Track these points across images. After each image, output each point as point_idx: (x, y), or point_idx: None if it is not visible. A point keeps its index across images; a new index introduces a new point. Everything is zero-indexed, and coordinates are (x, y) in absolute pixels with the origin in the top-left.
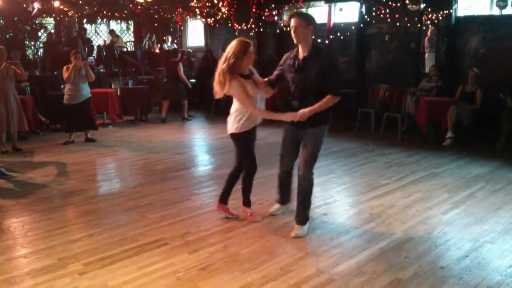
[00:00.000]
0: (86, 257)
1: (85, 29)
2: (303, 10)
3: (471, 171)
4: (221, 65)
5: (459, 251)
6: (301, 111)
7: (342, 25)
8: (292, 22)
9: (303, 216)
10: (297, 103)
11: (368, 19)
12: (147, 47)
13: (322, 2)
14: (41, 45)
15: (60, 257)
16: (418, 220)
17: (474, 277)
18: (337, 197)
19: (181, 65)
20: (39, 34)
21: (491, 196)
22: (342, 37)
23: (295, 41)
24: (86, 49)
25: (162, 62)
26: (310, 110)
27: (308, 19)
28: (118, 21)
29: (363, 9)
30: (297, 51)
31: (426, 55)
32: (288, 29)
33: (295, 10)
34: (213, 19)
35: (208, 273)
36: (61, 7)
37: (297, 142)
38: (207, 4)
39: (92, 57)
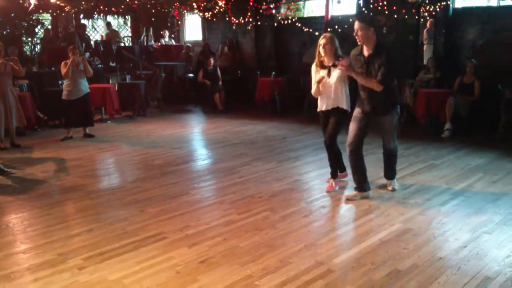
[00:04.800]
0: (86, 252)
1: (85, 26)
2: (301, 3)
3: (469, 162)
4: None
5: (457, 242)
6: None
7: (339, 17)
8: (355, 25)
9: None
10: (364, 94)
11: (366, 12)
12: (145, 43)
13: None
14: (38, 41)
15: (60, 252)
16: (417, 211)
17: (472, 267)
18: (337, 187)
19: None
20: (36, 30)
21: (490, 186)
22: (340, 30)
23: (358, 42)
24: (84, 44)
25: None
26: (354, 72)
27: (369, 22)
28: (115, 16)
29: (361, 1)
30: (362, 48)
31: (425, 47)
32: (286, 22)
33: (291, 6)
34: (210, 13)
35: (207, 266)
36: (58, 2)
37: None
38: None
39: (88, 53)
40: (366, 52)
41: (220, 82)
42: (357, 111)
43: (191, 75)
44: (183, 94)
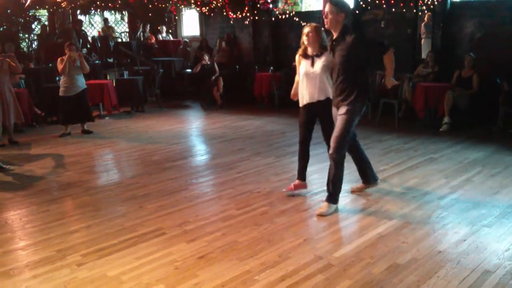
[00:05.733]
0: (84, 248)
1: (81, 22)
2: None
3: (468, 155)
4: None
5: (456, 235)
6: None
7: None
8: (326, 8)
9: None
10: (335, 79)
11: (364, 5)
12: (142, 38)
13: None
14: (35, 38)
15: (58, 248)
16: (416, 205)
17: (472, 260)
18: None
19: None
20: (33, 26)
21: (489, 180)
22: None
23: (326, 26)
24: (81, 40)
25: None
26: (388, 77)
27: (341, 7)
28: (112, 11)
29: None
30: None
31: (423, 41)
32: (284, 16)
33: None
34: (207, 8)
35: (206, 262)
36: None
37: None
38: None
39: (85, 49)
40: (334, 37)
41: (216, 75)
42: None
43: (189, 70)
44: (181, 90)
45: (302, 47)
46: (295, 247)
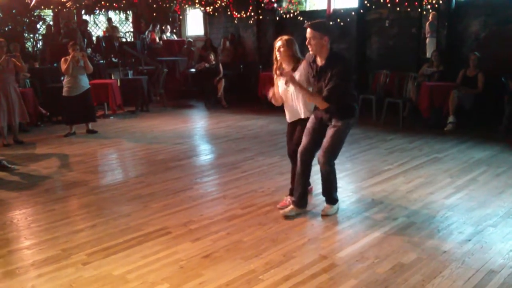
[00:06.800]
0: (90, 247)
1: (86, 22)
2: None
3: (473, 155)
4: None
5: (461, 235)
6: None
7: (342, 11)
8: (307, 33)
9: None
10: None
11: (368, 5)
12: (149, 38)
13: None
14: (40, 37)
15: (64, 248)
16: (421, 205)
17: (477, 260)
18: (339, 183)
19: None
20: (38, 26)
21: (494, 180)
22: (342, 23)
23: (310, 52)
24: (85, 40)
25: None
26: (299, 85)
27: (323, 30)
28: (117, 11)
29: None
30: (316, 56)
31: (427, 40)
32: (288, 16)
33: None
34: (212, 7)
35: (211, 261)
36: None
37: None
38: None
39: (89, 49)
40: (319, 62)
41: (219, 76)
42: (311, 118)
43: (193, 70)
44: (185, 89)
45: (275, 63)
46: (299, 247)
